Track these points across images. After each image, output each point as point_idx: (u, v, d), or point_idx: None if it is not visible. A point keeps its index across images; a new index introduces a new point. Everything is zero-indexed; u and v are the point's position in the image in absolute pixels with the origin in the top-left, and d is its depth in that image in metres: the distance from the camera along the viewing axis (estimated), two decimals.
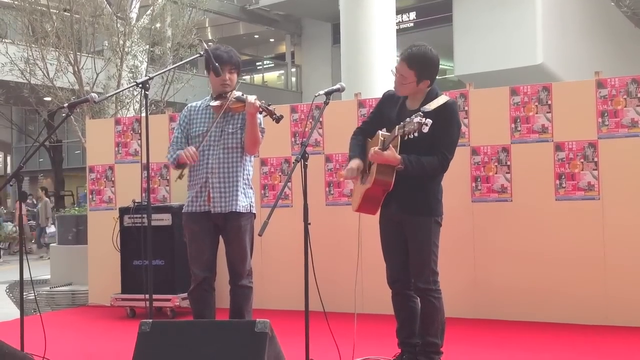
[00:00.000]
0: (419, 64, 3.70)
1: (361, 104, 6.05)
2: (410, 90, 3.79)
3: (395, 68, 3.81)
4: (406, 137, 3.56)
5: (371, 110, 4.18)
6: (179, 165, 4.13)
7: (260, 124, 4.16)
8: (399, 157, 3.60)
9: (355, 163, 3.85)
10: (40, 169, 29.74)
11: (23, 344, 4.18)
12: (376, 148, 3.66)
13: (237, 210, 4.10)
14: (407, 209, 3.77)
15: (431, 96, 3.77)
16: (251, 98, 4.01)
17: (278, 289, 6.18)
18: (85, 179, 7.21)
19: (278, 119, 4.03)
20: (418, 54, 3.71)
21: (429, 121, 3.42)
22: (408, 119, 3.50)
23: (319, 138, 6.20)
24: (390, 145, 3.60)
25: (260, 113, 4.08)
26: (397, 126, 3.59)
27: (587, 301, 5.22)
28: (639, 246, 5.11)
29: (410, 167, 3.62)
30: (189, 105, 4.37)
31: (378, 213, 3.93)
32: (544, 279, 5.35)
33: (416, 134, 3.52)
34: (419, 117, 3.44)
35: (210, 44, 4.24)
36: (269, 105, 4.07)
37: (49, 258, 12.82)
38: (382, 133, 3.75)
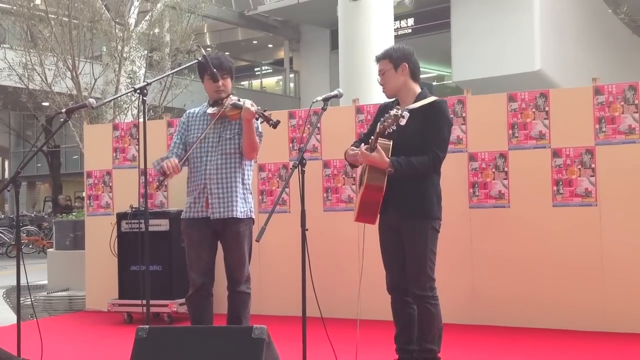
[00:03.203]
0: (388, 52, 3.90)
1: (359, 109, 6.06)
2: (395, 82, 3.86)
3: (378, 74, 3.94)
4: (386, 132, 3.62)
5: (369, 125, 4.22)
6: (163, 172, 4.09)
7: (258, 128, 4.16)
8: (387, 160, 3.61)
9: (350, 149, 3.90)
10: (38, 174, 29.75)
11: (20, 349, 4.17)
12: (364, 148, 3.68)
13: (236, 216, 4.09)
14: (404, 213, 3.77)
15: (421, 98, 3.81)
16: (247, 104, 4.01)
17: (275, 294, 6.17)
18: (83, 184, 7.21)
19: (275, 125, 4.02)
20: (384, 50, 3.96)
21: (406, 114, 3.52)
22: (387, 114, 3.56)
23: (316, 144, 6.21)
24: (379, 147, 3.62)
25: (257, 119, 4.08)
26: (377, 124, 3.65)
27: (585, 307, 5.22)
28: (637, 252, 5.12)
29: (400, 169, 3.63)
30: (188, 111, 4.38)
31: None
32: (541, 285, 5.34)
33: (394, 127, 3.59)
34: (394, 110, 3.52)
35: (208, 49, 4.26)
36: (264, 110, 4.07)
37: None
38: (372, 138, 3.78)
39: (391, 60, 3.85)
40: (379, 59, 3.93)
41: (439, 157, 3.72)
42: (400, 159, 3.64)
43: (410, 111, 3.58)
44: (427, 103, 3.72)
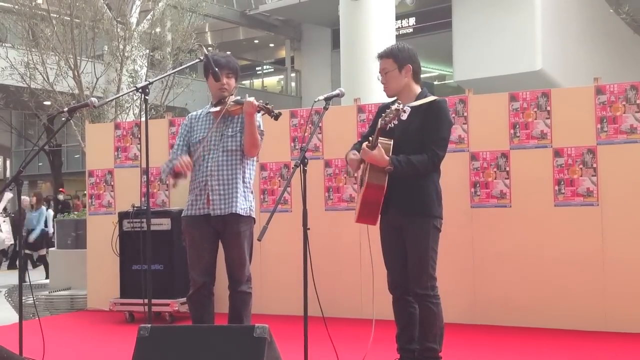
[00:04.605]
0: (393, 51, 3.86)
1: (360, 109, 6.06)
2: (397, 83, 3.84)
3: (379, 72, 3.91)
4: (387, 127, 3.61)
5: (369, 125, 4.22)
6: (176, 175, 4.11)
7: (260, 126, 4.16)
8: (387, 158, 3.63)
9: (352, 154, 3.91)
10: (40, 173, 29.74)
11: (22, 348, 4.18)
12: (365, 145, 3.69)
13: (237, 212, 4.08)
14: (406, 211, 3.77)
15: (421, 98, 3.81)
16: (250, 99, 4.03)
17: (277, 294, 6.18)
18: (85, 183, 7.22)
19: (277, 116, 4.04)
20: (388, 47, 3.92)
21: (407, 108, 3.51)
22: (388, 110, 3.56)
23: (318, 143, 6.21)
24: (379, 145, 3.63)
25: (259, 112, 4.08)
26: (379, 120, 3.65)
27: (586, 307, 5.22)
28: (638, 252, 5.12)
29: (399, 167, 3.64)
30: (190, 114, 4.40)
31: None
32: (542, 285, 5.35)
33: (396, 122, 3.57)
34: (396, 104, 3.52)
35: (210, 48, 4.27)
36: (267, 103, 4.07)
37: None
38: (373, 135, 3.78)
39: (396, 60, 3.83)
40: (382, 57, 3.89)
41: (438, 156, 3.73)
42: (400, 157, 3.65)
43: (411, 109, 3.58)
44: (427, 102, 3.73)
